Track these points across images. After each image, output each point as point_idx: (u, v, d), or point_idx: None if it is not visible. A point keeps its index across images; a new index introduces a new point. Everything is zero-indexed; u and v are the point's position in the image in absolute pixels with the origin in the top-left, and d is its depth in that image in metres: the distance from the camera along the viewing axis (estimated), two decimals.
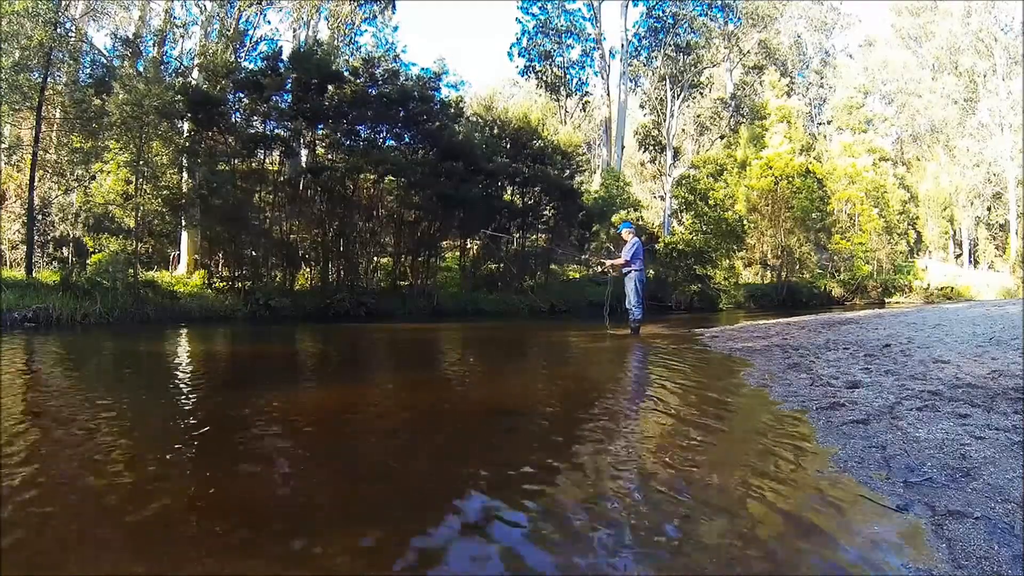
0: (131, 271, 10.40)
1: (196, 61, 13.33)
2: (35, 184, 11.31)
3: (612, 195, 17.22)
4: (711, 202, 17.36)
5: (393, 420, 3.22)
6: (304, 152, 14.12)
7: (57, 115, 12.48)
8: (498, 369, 5.39)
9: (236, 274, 12.11)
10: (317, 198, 13.18)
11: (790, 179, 19.78)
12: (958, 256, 30.17)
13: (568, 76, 23.20)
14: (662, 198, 24.11)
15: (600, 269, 8.15)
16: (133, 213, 11.14)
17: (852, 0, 49.88)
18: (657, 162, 25.34)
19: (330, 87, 12.37)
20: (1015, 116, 25.87)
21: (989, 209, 29.91)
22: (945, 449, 2.24)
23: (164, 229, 12.54)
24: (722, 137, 25.67)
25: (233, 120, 12.35)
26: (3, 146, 11.89)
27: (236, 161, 12.33)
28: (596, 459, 2.36)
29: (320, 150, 13.80)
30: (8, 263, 12.24)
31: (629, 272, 7.72)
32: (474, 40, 71.24)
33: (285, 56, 12.86)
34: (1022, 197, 26.16)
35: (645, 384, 4.33)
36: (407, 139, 13.82)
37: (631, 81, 23.22)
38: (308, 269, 13.29)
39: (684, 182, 18.75)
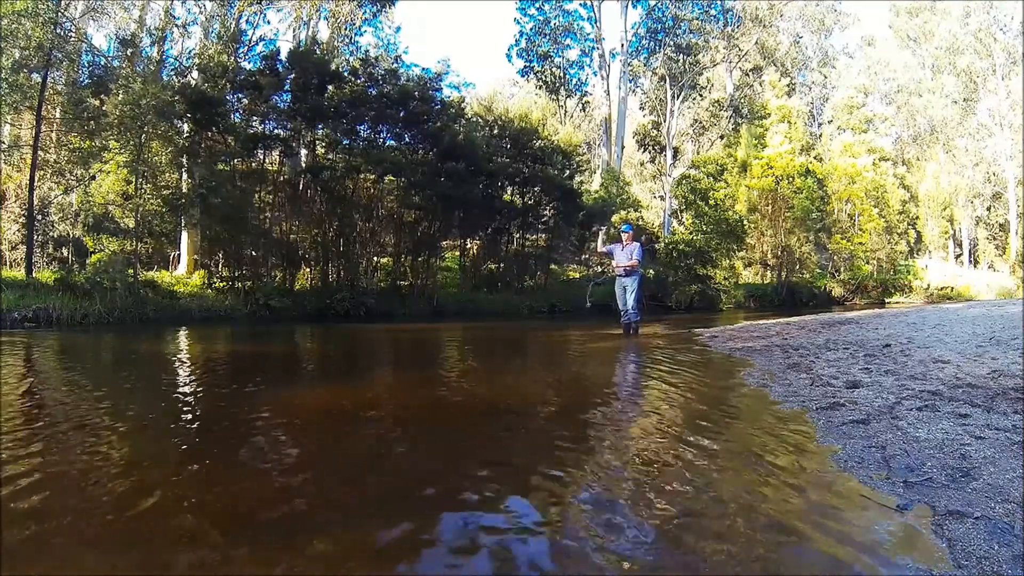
0: (131, 271, 10.41)
1: (196, 61, 13.33)
2: (35, 184, 11.32)
3: (612, 195, 17.23)
4: (711, 202, 17.36)
5: (392, 419, 3.22)
6: (304, 152, 14.12)
7: (57, 115, 12.48)
8: (498, 369, 5.39)
9: (236, 274, 12.11)
10: (317, 198, 13.18)
11: (790, 179, 19.78)
12: (958, 256, 30.16)
13: (568, 76, 23.16)
14: (662, 198, 24.11)
15: (613, 265, 8.14)
16: (133, 213, 11.14)
17: (852, 0, 49.97)
18: (657, 162, 25.34)
19: (329, 87, 12.36)
20: (1014, 116, 25.89)
21: (989, 209, 29.93)
22: (945, 449, 2.23)
23: (164, 229, 12.55)
24: (722, 137, 25.66)
25: (232, 120, 12.35)
26: (3, 146, 11.88)
27: (236, 161, 12.33)
28: (593, 459, 2.36)
29: (320, 150, 13.79)
30: (8, 263, 12.24)
31: (631, 274, 7.74)
32: (474, 40, 71.27)
33: (283, 56, 12.86)
34: (1022, 197, 26.17)
35: (644, 384, 4.32)
36: (407, 139, 13.82)
37: (631, 81, 23.20)
38: (308, 269, 13.28)
39: (685, 182, 18.75)
